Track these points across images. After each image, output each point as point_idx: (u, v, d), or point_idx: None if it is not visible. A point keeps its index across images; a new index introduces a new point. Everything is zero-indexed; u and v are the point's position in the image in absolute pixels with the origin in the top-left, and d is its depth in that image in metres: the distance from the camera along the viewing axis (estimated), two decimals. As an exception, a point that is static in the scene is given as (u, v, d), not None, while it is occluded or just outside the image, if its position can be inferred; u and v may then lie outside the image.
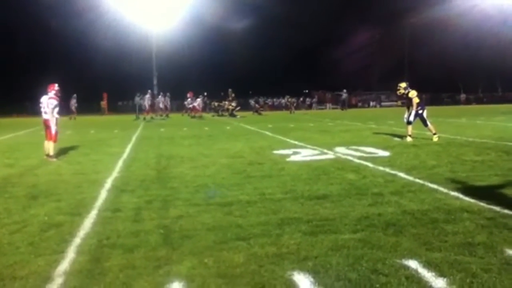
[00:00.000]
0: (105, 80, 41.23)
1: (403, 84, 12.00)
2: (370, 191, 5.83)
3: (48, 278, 3.27)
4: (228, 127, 19.50)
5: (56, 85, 9.84)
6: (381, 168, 7.51)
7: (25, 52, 42.82)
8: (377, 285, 3.04)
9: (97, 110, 39.86)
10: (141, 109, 30.71)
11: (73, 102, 31.68)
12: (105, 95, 41.62)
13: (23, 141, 14.45)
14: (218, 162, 8.74)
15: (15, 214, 5.06)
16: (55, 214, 5.01)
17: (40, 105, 9.77)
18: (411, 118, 11.69)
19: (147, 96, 30.62)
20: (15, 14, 40.59)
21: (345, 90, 41.11)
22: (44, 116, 9.71)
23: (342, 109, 39.51)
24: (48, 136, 9.64)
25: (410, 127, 11.78)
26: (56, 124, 9.74)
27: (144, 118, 27.96)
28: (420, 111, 11.67)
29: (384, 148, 10.10)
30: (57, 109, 9.76)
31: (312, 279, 3.16)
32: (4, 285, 3.20)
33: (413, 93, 11.68)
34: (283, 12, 49.63)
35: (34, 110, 32.00)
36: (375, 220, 4.50)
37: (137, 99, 31.83)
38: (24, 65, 42.59)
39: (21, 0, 40.47)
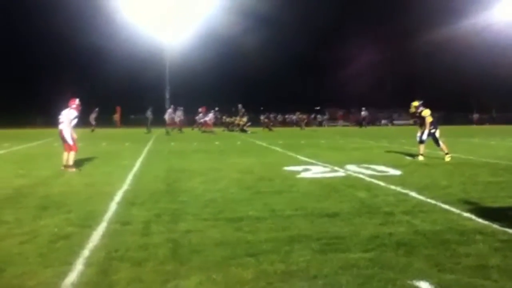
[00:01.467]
0: (119, 94, 41.80)
1: (416, 103, 11.94)
2: (381, 210, 5.76)
3: (56, 290, 3.26)
4: (239, 142, 19.53)
5: (78, 99, 10.11)
6: (392, 187, 7.43)
7: (40, 65, 43.63)
8: (388, 307, 2.98)
9: (110, 123, 40.29)
10: (150, 122, 30.97)
11: (94, 116, 32.40)
12: (118, 109, 42.13)
13: (36, 152, 14.63)
14: (228, 176, 8.73)
15: (26, 225, 5.09)
16: (65, 226, 5.02)
17: (59, 116, 9.97)
18: (424, 137, 11.59)
19: (169, 110, 30.85)
20: (32, 26, 41.52)
21: (364, 108, 41.25)
22: (60, 126, 9.87)
23: (361, 127, 39.49)
24: (67, 148, 9.78)
25: (422, 146, 11.68)
26: (74, 133, 9.92)
27: (167, 132, 27.81)
28: (433, 130, 11.58)
29: (396, 167, 10.01)
30: (75, 121, 9.99)
31: (321, 298, 3.11)
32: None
33: (426, 112, 11.61)
34: (297, 28, 50.08)
35: (47, 122, 32.62)
36: (386, 240, 4.43)
37: (148, 112, 32.15)
38: (39, 77, 43.37)
39: (38, 13, 41.44)
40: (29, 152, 14.70)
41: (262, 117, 38.58)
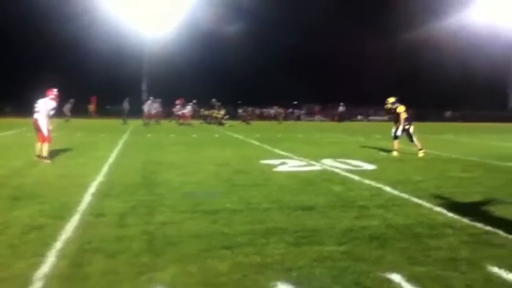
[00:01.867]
0: (95, 84, 40.90)
1: (391, 99, 12.13)
2: (356, 203, 5.86)
3: (27, 281, 3.20)
4: (216, 135, 19.49)
5: (55, 90, 9.90)
6: (367, 181, 7.56)
7: (17, 54, 42.35)
8: (361, 298, 3.05)
9: (85, 113, 39.47)
10: (126, 114, 30.55)
11: (69, 107, 31.84)
12: (93, 99, 41.25)
13: (9, 142, 14.24)
14: (205, 169, 8.71)
15: (-4, 215, 4.96)
16: (38, 217, 4.92)
17: (36, 105, 9.69)
18: (398, 132, 11.81)
19: (148, 102, 30.39)
20: (9, 15, 40.21)
21: (342, 103, 41.71)
22: (36, 115, 9.62)
23: (339, 122, 39.98)
24: (41, 138, 9.54)
25: (396, 142, 11.91)
26: (50, 124, 9.72)
27: (145, 124, 27.48)
28: (407, 127, 11.81)
29: (371, 162, 10.17)
30: (53, 111, 9.80)
31: (295, 290, 3.15)
32: (-19, 288, 3.12)
33: (401, 108, 11.82)
34: (277, 19, 49.98)
35: (17, 111, 31.73)
36: (359, 233, 4.51)
37: (125, 103, 31.67)
38: (16, 67, 42.10)
39: (16, 2, 40.18)
40: (1, 142, 14.29)
41: (240, 111, 38.52)
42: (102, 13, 39.78)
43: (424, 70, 49.46)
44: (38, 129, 9.58)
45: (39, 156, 9.39)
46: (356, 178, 7.89)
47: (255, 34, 47.81)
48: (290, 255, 3.84)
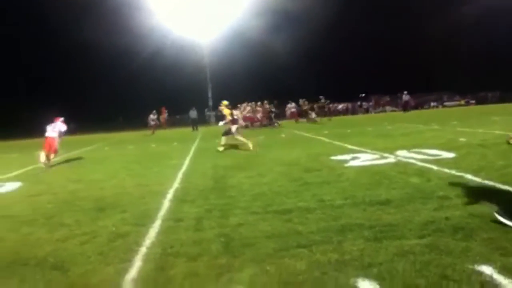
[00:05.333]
0: (162, 95, 42.80)
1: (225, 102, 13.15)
2: (435, 194, 5.56)
3: (118, 286, 3.41)
4: (283, 135, 19.50)
5: (62, 118, 13.16)
6: (446, 170, 7.15)
7: (77, 70, 45.45)
8: (449, 293, 2.88)
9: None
10: (195, 121, 31.59)
11: (152, 117, 33.76)
12: (163, 110, 43.09)
13: (86, 157, 15.29)
14: (274, 170, 8.74)
15: (85, 226, 5.35)
16: (122, 225, 5.23)
17: (50, 126, 12.79)
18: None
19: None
20: (86, 32, 43.23)
21: (406, 92, 39.39)
22: (51, 134, 12.65)
23: (405, 112, 37.99)
24: (53, 149, 12.53)
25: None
26: (59, 143, 13.09)
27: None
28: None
29: (449, 150, 9.62)
30: (63, 133, 13.19)
31: (378, 286, 3.05)
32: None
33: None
34: (330, 18, 49.18)
35: (91, 128, 33.94)
36: (442, 225, 4.27)
37: (192, 112, 32.86)
38: (75, 84, 45.19)
39: (71, 17, 43.09)
40: (81, 156, 15.40)
41: (315, 106, 36.47)
42: (155, 23, 41.46)
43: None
44: (50, 143, 12.52)
45: (45, 162, 12.15)
46: (434, 167, 7.50)
47: (309, 36, 47.37)
48: (369, 251, 3.73)
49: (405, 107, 39.10)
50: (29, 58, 45.82)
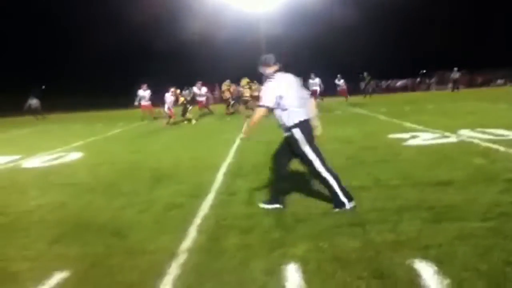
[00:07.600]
0: (221, 71, 43.14)
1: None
2: (501, 177, 5.22)
3: (173, 254, 3.52)
4: (338, 112, 19.10)
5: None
6: (514, 151, 6.69)
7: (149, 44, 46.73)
8: (515, 280, 2.71)
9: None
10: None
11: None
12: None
13: (142, 130, 15.83)
14: (327, 147, 8.57)
15: (142, 195, 5.57)
16: (177, 196, 5.38)
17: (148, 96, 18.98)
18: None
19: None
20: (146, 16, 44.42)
21: (456, 68, 36.01)
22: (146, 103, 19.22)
23: (453, 90, 34.50)
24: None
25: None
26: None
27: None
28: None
29: (517, 130, 8.99)
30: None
31: (436, 268, 2.93)
32: (135, 258, 3.52)
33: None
34: None
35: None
36: (508, 208, 4.02)
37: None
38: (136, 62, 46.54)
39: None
40: (138, 130, 15.97)
41: (362, 84, 35.70)
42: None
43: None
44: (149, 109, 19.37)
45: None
46: (501, 148, 7.04)
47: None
48: (426, 232, 3.59)
49: (454, 86, 35.73)
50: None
